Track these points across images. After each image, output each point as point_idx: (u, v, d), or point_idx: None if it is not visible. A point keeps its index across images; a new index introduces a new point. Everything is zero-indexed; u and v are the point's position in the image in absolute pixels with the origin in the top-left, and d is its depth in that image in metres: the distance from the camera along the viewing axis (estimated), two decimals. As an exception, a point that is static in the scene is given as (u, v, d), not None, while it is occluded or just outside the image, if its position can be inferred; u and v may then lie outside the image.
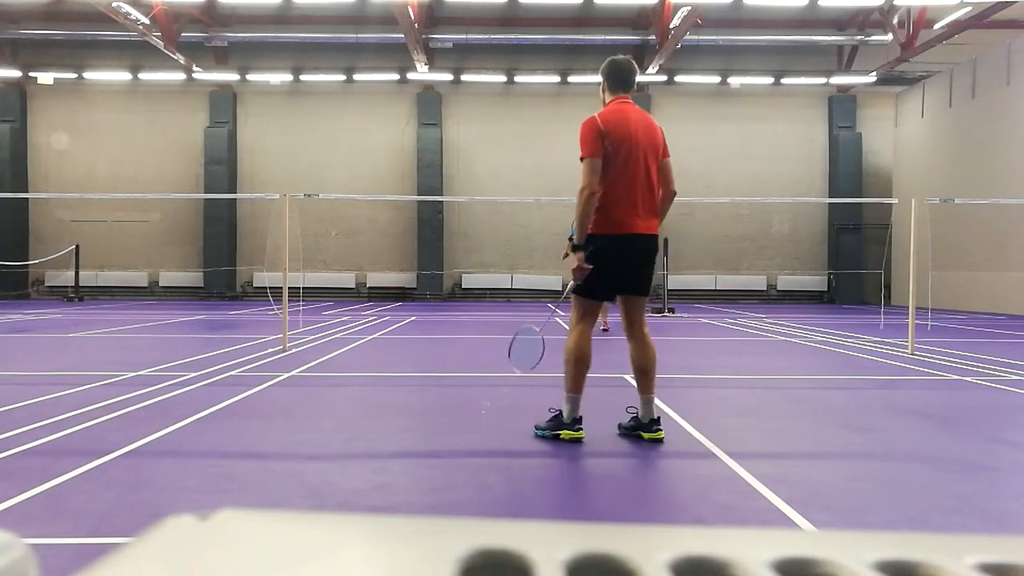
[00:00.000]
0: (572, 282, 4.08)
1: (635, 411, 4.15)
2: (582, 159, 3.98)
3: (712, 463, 3.60)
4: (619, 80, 4.17)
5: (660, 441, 4.01)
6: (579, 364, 4.07)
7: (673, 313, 15.60)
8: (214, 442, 4.00)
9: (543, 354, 4.38)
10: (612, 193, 3.97)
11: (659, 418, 4.09)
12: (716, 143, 22.53)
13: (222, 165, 22.23)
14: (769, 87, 22.30)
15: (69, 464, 3.41)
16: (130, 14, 16.68)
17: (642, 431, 4.06)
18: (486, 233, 22.55)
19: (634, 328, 4.16)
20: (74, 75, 21.69)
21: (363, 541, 0.42)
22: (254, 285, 22.42)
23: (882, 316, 14.87)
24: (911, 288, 8.49)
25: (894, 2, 17.81)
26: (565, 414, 4.09)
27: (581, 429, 4.06)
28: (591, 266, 3.95)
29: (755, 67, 21.94)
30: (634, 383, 4.30)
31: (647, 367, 4.10)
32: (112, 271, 22.58)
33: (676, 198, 4.28)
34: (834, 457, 3.84)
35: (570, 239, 4.13)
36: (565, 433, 4.02)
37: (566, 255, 4.28)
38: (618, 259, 4.00)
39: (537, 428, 4.20)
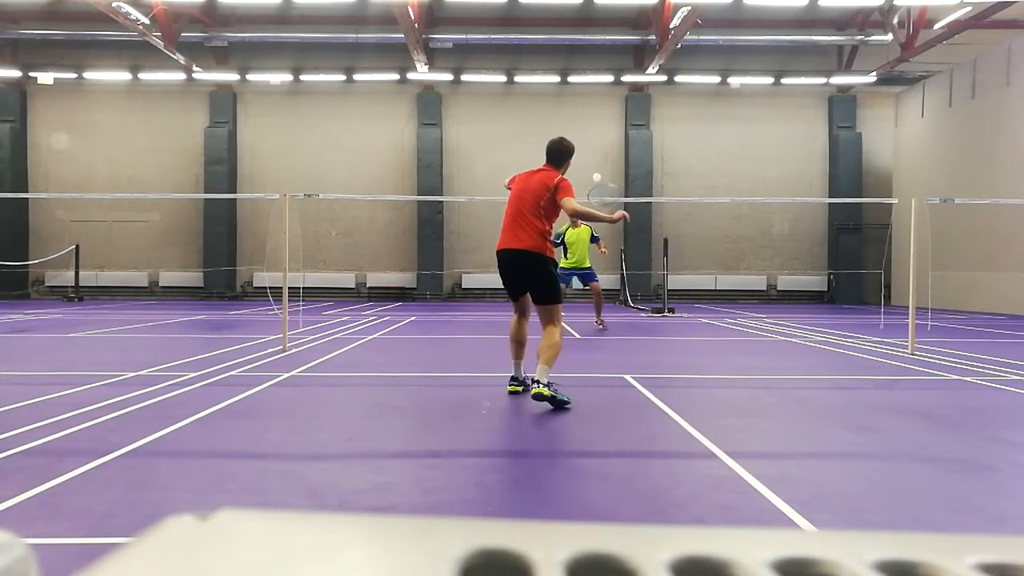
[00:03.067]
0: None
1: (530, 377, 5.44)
2: None
3: (712, 463, 3.60)
4: (546, 153, 5.63)
5: (543, 399, 4.95)
6: (510, 339, 5.71)
7: (673, 313, 15.60)
8: (214, 442, 4.00)
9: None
10: (502, 224, 5.54)
11: (541, 382, 5.02)
12: (716, 143, 22.52)
13: (222, 165, 22.23)
14: (769, 87, 22.30)
15: (69, 464, 3.41)
16: (130, 14, 16.68)
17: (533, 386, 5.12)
18: (486, 233, 22.53)
19: (540, 322, 5.44)
20: (74, 75, 21.68)
21: (363, 541, 0.42)
22: (254, 285, 22.42)
23: (882, 316, 14.87)
24: (911, 288, 8.49)
25: (894, 2, 17.81)
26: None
27: (514, 385, 5.56)
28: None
29: (755, 67, 21.94)
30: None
31: (539, 347, 5.26)
32: (112, 271, 22.58)
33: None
34: (834, 457, 3.84)
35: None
36: (508, 387, 5.57)
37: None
38: (502, 268, 5.52)
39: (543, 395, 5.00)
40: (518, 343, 5.61)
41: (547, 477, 3.40)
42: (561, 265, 11.01)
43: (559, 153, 5.57)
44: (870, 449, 3.98)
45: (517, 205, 5.46)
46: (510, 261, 5.43)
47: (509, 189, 5.66)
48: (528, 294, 5.50)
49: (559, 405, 5.00)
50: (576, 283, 11.82)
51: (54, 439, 3.95)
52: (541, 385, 4.96)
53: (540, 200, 5.39)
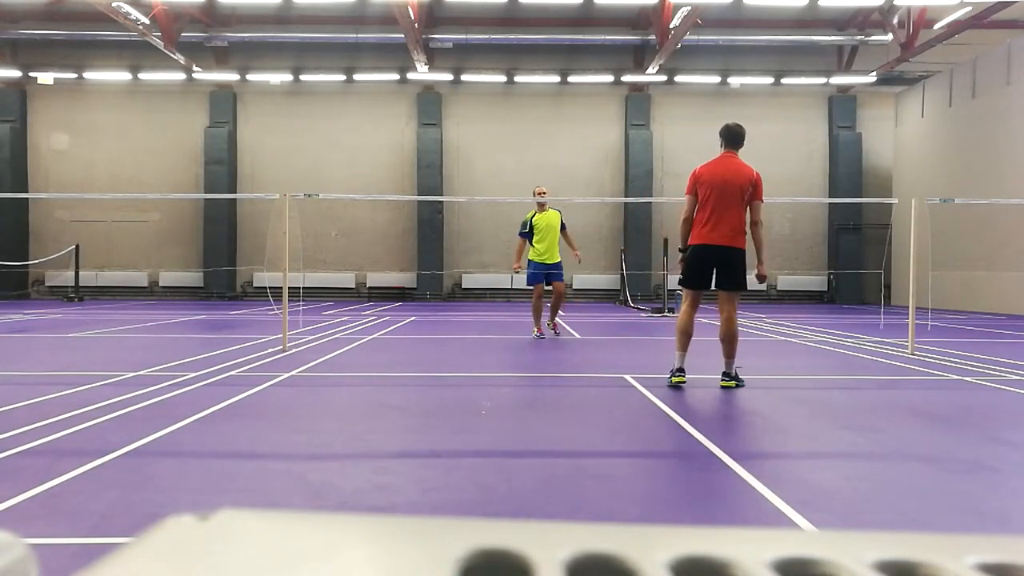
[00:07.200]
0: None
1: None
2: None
3: (712, 463, 3.60)
4: (726, 139, 6.00)
5: (729, 388, 5.71)
6: (678, 330, 5.89)
7: (673, 313, 15.59)
8: (214, 442, 4.00)
9: None
10: (698, 218, 5.81)
11: (731, 374, 5.79)
12: (716, 143, 22.40)
13: (222, 165, 22.23)
14: (769, 87, 22.29)
15: (69, 464, 3.41)
16: (130, 14, 16.68)
17: (722, 379, 5.83)
18: (486, 233, 22.54)
19: (721, 311, 5.87)
20: (74, 75, 21.68)
21: (363, 541, 0.42)
22: (254, 285, 22.41)
23: (882, 316, 14.87)
24: (911, 288, 8.48)
25: (894, 2, 17.81)
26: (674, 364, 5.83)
27: (679, 375, 5.76)
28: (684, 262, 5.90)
29: (755, 67, 21.93)
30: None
31: (722, 338, 5.85)
32: (112, 271, 22.58)
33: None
34: (834, 457, 3.84)
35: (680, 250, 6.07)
36: (671, 379, 5.78)
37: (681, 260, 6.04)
38: (698, 261, 5.79)
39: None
40: (689, 335, 5.84)
41: (547, 477, 3.40)
42: (531, 258, 10.05)
43: (741, 136, 5.98)
44: (870, 449, 3.98)
45: (719, 200, 5.71)
46: (713, 256, 5.74)
47: (708, 184, 5.79)
48: (705, 289, 5.89)
49: (739, 383, 5.81)
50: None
51: (54, 439, 3.95)
52: (730, 378, 5.76)
53: (745, 195, 5.75)
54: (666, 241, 15.64)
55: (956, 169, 18.31)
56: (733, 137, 5.94)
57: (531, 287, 10.25)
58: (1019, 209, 14.19)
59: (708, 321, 14.01)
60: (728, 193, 5.71)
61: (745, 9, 18.62)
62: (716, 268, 5.77)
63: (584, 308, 18.37)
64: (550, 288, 10.21)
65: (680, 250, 6.04)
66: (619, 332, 11.52)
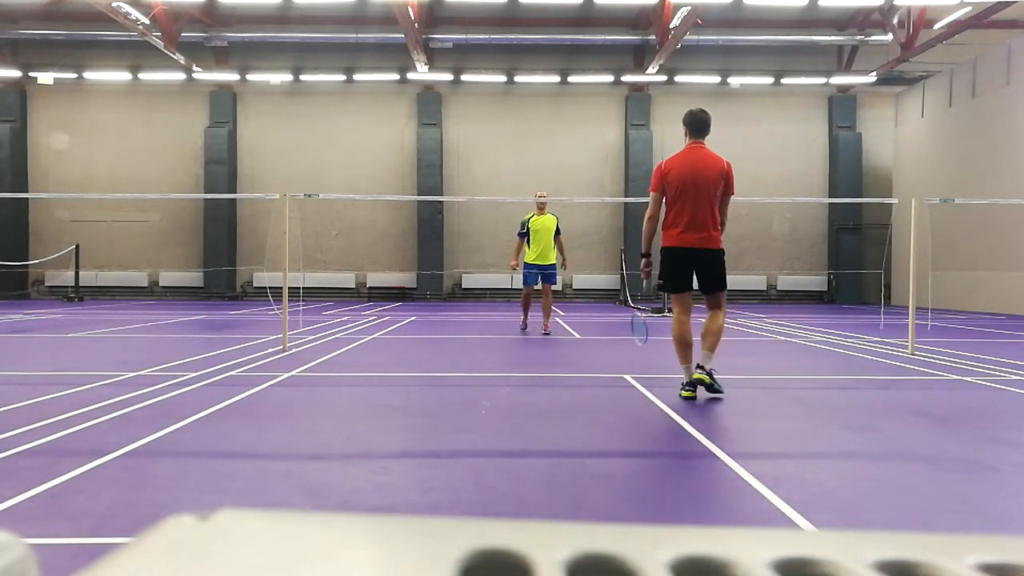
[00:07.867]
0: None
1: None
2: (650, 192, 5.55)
3: (712, 463, 3.60)
4: (691, 128, 5.50)
5: (703, 382, 5.25)
6: (676, 343, 5.38)
7: (672, 313, 15.57)
8: (214, 442, 4.00)
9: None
10: (668, 218, 5.41)
11: (705, 368, 5.28)
12: (716, 143, 22.14)
13: (222, 165, 22.22)
14: (769, 87, 22.29)
15: (69, 464, 3.41)
16: (130, 14, 16.68)
17: (695, 371, 5.33)
18: (486, 233, 22.54)
19: (709, 310, 5.51)
20: (74, 75, 21.67)
21: (363, 541, 0.42)
22: (254, 285, 22.41)
23: (882, 316, 14.87)
24: (911, 288, 8.48)
25: (894, 2, 17.81)
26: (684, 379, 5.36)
27: (690, 390, 5.25)
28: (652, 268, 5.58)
29: (755, 67, 21.93)
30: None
31: (705, 331, 5.38)
32: (112, 271, 22.57)
33: None
34: (834, 457, 3.84)
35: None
36: (682, 392, 5.30)
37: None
38: (674, 264, 5.38)
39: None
40: (689, 345, 5.34)
41: (547, 477, 3.40)
42: (525, 260, 10.44)
43: (707, 123, 5.55)
44: (870, 449, 3.98)
45: (692, 198, 5.30)
46: (690, 258, 5.36)
47: (656, 191, 5.47)
48: (689, 288, 5.49)
49: (716, 392, 5.30)
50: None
51: (54, 439, 3.95)
52: (705, 372, 5.25)
53: (719, 191, 5.38)
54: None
55: (956, 169, 18.31)
56: (699, 125, 5.48)
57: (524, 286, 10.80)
58: (1019, 209, 14.18)
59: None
60: (701, 189, 5.28)
61: (745, 9, 18.62)
62: (696, 271, 5.42)
63: (584, 308, 18.37)
64: (539, 288, 10.70)
65: (643, 254, 5.61)
66: (619, 332, 11.52)
